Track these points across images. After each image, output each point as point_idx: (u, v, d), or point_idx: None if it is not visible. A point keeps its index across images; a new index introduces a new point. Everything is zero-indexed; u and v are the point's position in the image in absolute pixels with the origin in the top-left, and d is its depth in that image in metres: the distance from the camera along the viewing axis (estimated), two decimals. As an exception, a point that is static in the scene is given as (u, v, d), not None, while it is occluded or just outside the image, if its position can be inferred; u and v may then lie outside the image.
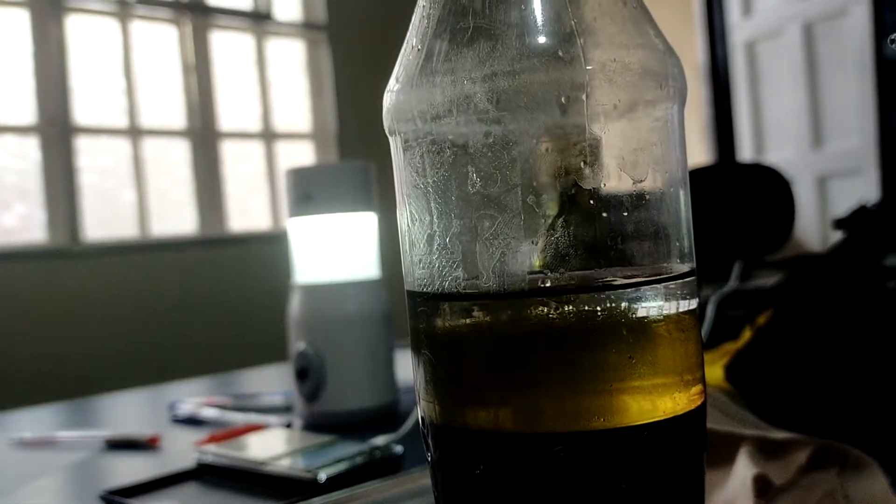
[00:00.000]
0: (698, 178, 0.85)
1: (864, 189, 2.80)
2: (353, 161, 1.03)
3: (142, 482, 0.60)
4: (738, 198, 0.84)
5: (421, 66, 0.20)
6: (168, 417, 0.88)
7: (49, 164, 2.56)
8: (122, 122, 2.74)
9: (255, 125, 3.09)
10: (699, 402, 0.21)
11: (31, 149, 2.56)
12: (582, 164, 0.20)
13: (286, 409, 0.85)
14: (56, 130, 2.56)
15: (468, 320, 0.21)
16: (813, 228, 3.11)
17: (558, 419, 0.20)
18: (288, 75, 3.20)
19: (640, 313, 0.20)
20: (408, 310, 0.23)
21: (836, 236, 0.78)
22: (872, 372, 0.57)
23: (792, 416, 0.48)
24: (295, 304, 0.80)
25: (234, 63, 3.04)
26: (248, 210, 3.04)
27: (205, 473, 0.63)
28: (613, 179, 0.20)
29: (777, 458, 0.43)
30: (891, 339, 0.58)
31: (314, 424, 0.76)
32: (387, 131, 0.23)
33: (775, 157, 3.33)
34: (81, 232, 2.59)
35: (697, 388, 0.21)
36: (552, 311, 0.20)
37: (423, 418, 0.23)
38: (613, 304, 0.20)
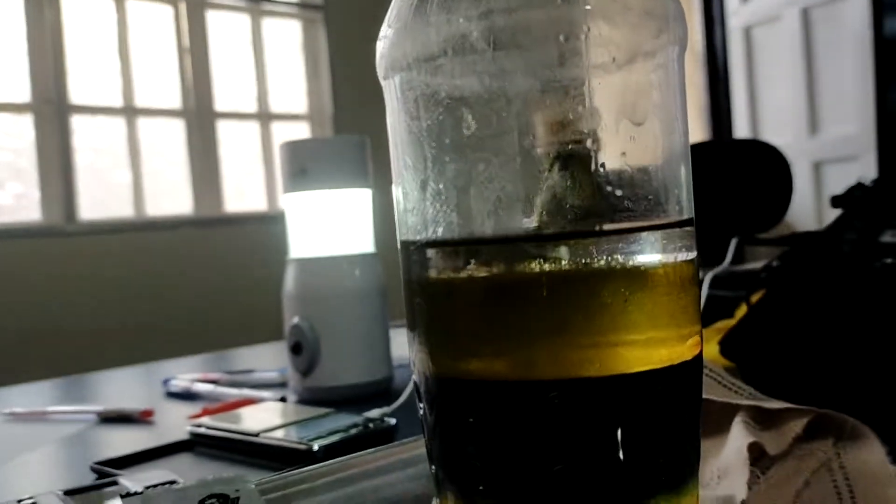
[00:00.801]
0: (694, 154, 0.84)
1: (861, 175, 2.80)
2: (348, 135, 1.02)
3: (133, 453, 0.59)
4: (734, 173, 0.83)
5: (415, 7, 0.20)
6: (162, 393, 0.88)
7: (43, 143, 2.54)
8: (117, 101, 2.72)
9: (251, 106, 3.08)
10: (695, 353, 0.21)
11: (25, 127, 2.54)
12: (580, 106, 0.19)
13: (281, 385, 0.85)
14: (51, 109, 2.54)
15: (461, 267, 0.20)
16: (809, 214, 3.11)
17: (552, 366, 0.19)
18: (284, 56, 3.18)
19: (637, 261, 0.20)
20: (401, 261, 0.22)
21: (832, 220, 0.78)
22: (867, 345, 0.57)
23: (788, 389, 0.47)
24: (290, 279, 0.79)
25: (230, 43, 3.02)
26: (243, 191, 3.03)
27: (197, 445, 0.63)
28: (612, 123, 0.20)
29: (773, 428, 0.43)
30: (885, 313, 0.58)
31: (308, 399, 0.75)
32: (381, 78, 0.22)
33: (771, 142, 3.32)
34: (76, 211, 2.58)
35: (693, 340, 0.21)
36: (547, 257, 0.19)
37: (416, 369, 0.22)
38: (610, 251, 0.20)
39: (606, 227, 0.20)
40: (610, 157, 0.20)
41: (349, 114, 3.15)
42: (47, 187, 2.55)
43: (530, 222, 0.20)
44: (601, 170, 0.20)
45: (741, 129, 3.60)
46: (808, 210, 3.10)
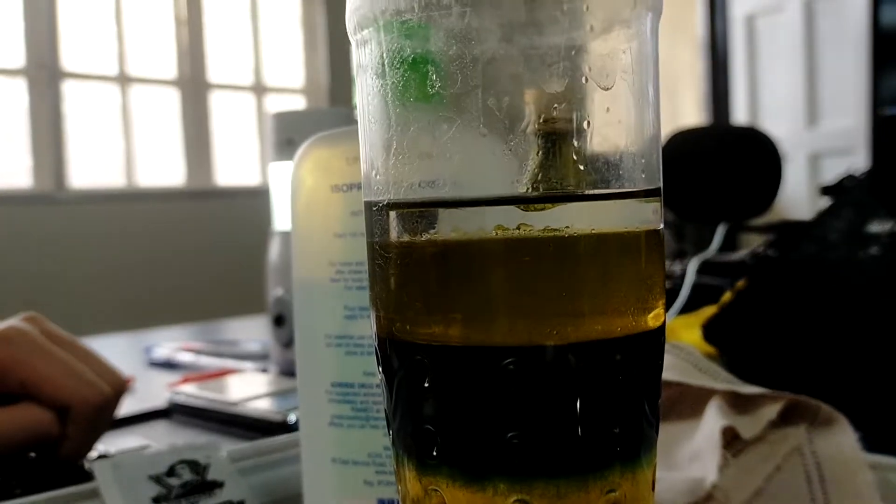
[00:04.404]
0: (685, 139, 0.84)
1: (857, 168, 2.79)
2: (339, 108, 1.01)
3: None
4: (724, 158, 0.83)
5: (384, -39, 0.19)
6: (144, 361, 0.88)
7: (36, 109, 2.52)
8: (111, 69, 2.70)
9: (248, 78, 3.05)
10: (657, 325, 0.21)
11: (18, 92, 2.52)
12: (547, 65, 0.19)
13: (263, 357, 0.85)
14: (45, 74, 2.52)
15: (421, 230, 0.20)
16: (804, 206, 3.11)
17: (509, 333, 0.19)
18: (282, 28, 3.15)
19: (601, 227, 0.19)
20: (365, 223, 0.22)
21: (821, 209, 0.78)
22: (849, 333, 0.56)
23: (769, 376, 0.47)
24: (274, 251, 0.79)
25: (227, 13, 2.99)
26: (236, 163, 3.01)
27: (175, 413, 0.63)
28: (582, 89, 0.19)
29: (747, 413, 0.42)
30: (869, 302, 0.58)
31: (290, 371, 0.75)
32: (350, 34, 0.22)
33: (770, 132, 3.31)
34: (66, 179, 2.57)
35: (656, 312, 0.21)
36: (509, 220, 0.19)
37: (374, 334, 0.22)
38: (573, 216, 0.19)
39: (570, 192, 0.19)
40: (579, 124, 0.19)
41: (346, 88, 3.13)
42: (39, 154, 2.53)
43: (492, 186, 0.19)
44: (569, 136, 0.19)
45: (740, 119, 3.59)
46: (803, 202, 3.10)
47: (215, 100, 2.95)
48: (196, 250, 2.72)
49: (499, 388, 0.19)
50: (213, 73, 2.93)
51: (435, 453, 0.20)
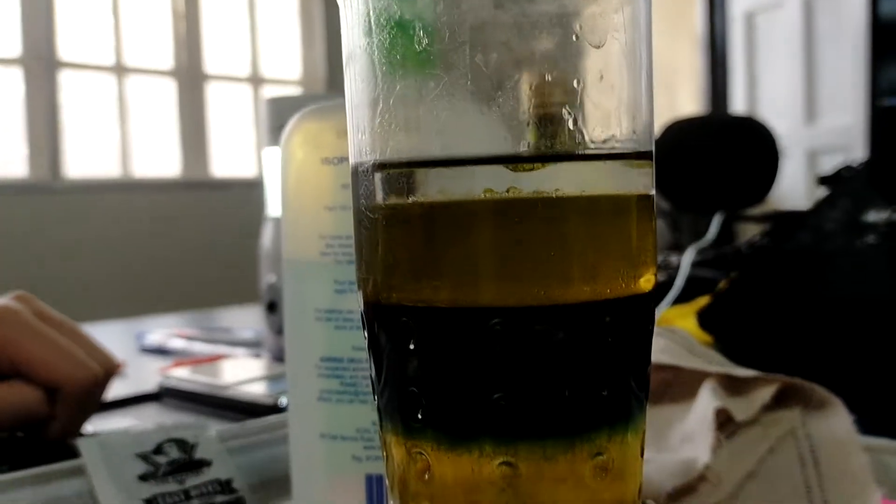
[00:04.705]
0: (682, 128, 0.84)
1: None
2: (333, 95, 1.01)
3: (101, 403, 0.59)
4: (720, 147, 0.83)
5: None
6: (136, 347, 0.87)
7: (32, 99, 2.51)
8: (108, 59, 2.69)
9: (244, 69, 3.04)
10: (647, 289, 0.20)
11: (14, 82, 2.50)
12: (536, 22, 0.18)
13: (256, 344, 0.84)
14: (41, 64, 2.51)
15: (409, 189, 0.19)
16: (801, 202, 3.11)
17: (496, 294, 0.19)
18: (279, 19, 3.14)
19: (591, 189, 0.19)
20: (351, 187, 0.22)
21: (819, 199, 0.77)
22: (846, 320, 0.56)
23: (764, 361, 0.47)
24: (266, 237, 0.78)
25: (223, 3, 2.98)
26: (232, 155, 3.00)
27: (166, 396, 0.62)
28: (570, 42, 0.19)
29: (741, 395, 0.42)
30: (866, 289, 0.58)
31: (283, 357, 0.75)
32: (337, -4, 0.21)
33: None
34: (62, 168, 2.56)
35: (646, 277, 0.20)
36: (498, 183, 0.19)
37: (360, 298, 0.21)
38: (563, 179, 0.19)
39: (560, 152, 0.19)
40: (569, 83, 0.19)
41: (343, 81, 3.12)
42: (35, 143, 2.52)
43: (480, 145, 0.19)
44: (559, 95, 0.19)
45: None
46: (801, 198, 3.10)
47: (212, 91, 2.94)
48: (191, 241, 2.71)
49: (485, 349, 0.19)
50: (210, 64, 2.92)
51: (420, 416, 0.20)
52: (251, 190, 2.77)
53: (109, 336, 0.98)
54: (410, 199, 0.19)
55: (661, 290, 0.74)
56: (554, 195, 0.19)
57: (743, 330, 0.60)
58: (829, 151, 3.10)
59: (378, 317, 0.20)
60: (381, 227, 0.20)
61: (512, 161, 0.18)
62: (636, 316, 0.20)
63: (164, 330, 0.91)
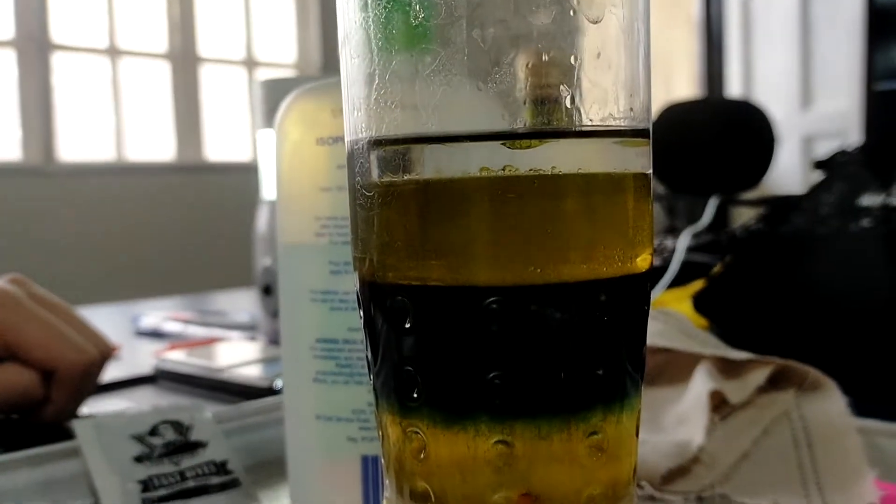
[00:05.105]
0: (677, 112, 0.84)
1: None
2: (327, 76, 1.00)
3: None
4: (716, 130, 0.82)
5: None
6: (131, 331, 0.87)
7: (25, 81, 2.49)
8: (101, 42, 2.67)
9: (239, 52, 3.02)
10: (643, 269, 0.20)
11: (6, 64, 2.49)
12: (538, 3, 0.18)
13: (251, 327, 0.84)
14: (33, 46, 2.49)
15: (403, 166, 0.19)
16: (797, 188, 3.11)
17: (492, 272, 0.19)
18: (274, 3, 3.12)
19: (587, 167, 0.19)
20: (347, 165, 0.21)
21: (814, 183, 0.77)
22: (840, 304, 0.56)
23: (759, 345, 0.47)
24: (261, 220, 0.78)
25: (219, -12, 2.96)
26: (227, 138, 2.99)
27: (162, 379, 0.62)
28: (567, 17, 0.19)
29: (735, 378, 0.42)
30: (861, 273, 0.58)
31: (279, 340, 0.75)
32: (333, -30, 0.21)
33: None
34: (56, 152, 2.54)
35: (643, 256, 0.20)
36: (492, 158, 0.18)
37: (356, 278, 0.21)
38: (559, 157, 0.19)
39: (556, 130, 0.19)
40: (565, 60, 0.19)
41: (338, 64, 3.10)
42: (28, 126, 2.50)
43: (477, 121, 0.19)
44: (556, 71, 0.19)
45: (733, 101, 3.58)
46: (796, 184, 3.10)
47: (206, 74, 2.92)
48: (186, 225, 2.71)
49: (481, 327, 0.19)
50: (205, 47, 2.90)
51: (416, 395, 0.20)
52: (245, 173, 2.76)
53: (104, 319, 0.98)
54: (406, 177, 0.19)
55: (656, 274, 0.74)
56: (550, 173, 0.19)
57: (738, 313, 0.60)
58: (825, 137, 3.10)
59: (374, 296, 0.20)
60: (376, 205, 0.20)
61: (508, 138, 0.18)
62: (632, 295, 0.20)
63: (159, 313, 0.90)
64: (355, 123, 0.20)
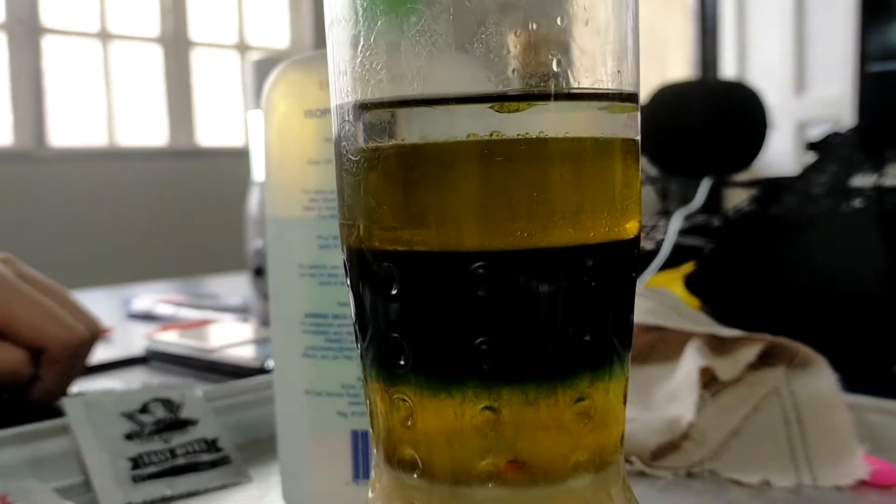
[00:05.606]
0: (671, 92, 0.83)
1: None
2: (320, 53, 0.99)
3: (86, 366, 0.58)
4: (709, 111, 0.82)
5: None
6: (123, 314, 0.87)
7: (15, 65, 2.48)
8: (92, 25, 2.65)
9: (231, 37, 3.00)
10: (631, 236, 0.20)
11: (-2, 48, 2.47)
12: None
13: (243, 310, 0.84)
14: (24, 29, 2.47)
15: (389, 130, 0.19)
16: (791, 173, 3.11)
17: (479, 237, 0.18)
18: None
19: (575, 131, 0.19)
20: (333, 130, 0.21)
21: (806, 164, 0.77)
22: (831, 282, 0.56)
23: (750, 324, 0.47)
24: (253, 202, 0.78)
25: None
26: (219, 124, 2.97)
27: (153, 360, 0.62)
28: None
29: (726, 355, 0.42)
30: (853, 252, 0.58)
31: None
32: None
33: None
34: (47, 136, 2.53)
35: (630, 224, 0.20)
36: (480, 123, 0.18)
37: (342, 245, 0.21)
38: (547, 122, 0.18)
39: (543, 92, 0.19)
40: (552, 22, 0.19)
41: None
42: (19, 110, 2.49)
43: (462, 80, 0.19)
44: (543, 34, 0.19)
45: (727, 86, 3.57)
46: (789, 170, 3.10)
47: (198, 58, 2.90)
48: (177, 211, 2.70)
49: (468, 293, 0.18)
50: (196, 31, 2.88)
51: (403, 363, 0.20)
52: (238, 159, 2.75)
53: (95, 302, 0.97)
54: (392, 141, 0.19)
55: (648, 256, 0.74)
56: (539, 134, 0.18)
57: (730, 293, 0.60)
58: (819, 123, 3.09)
59: (360, 263, 0.20)
60: (362, 170, 0.20)
61: (495, 100, 0.18)
62: (619, 261, 0.20)
63: (151, 296, 0.90)
64: (341, 88, 0.20)
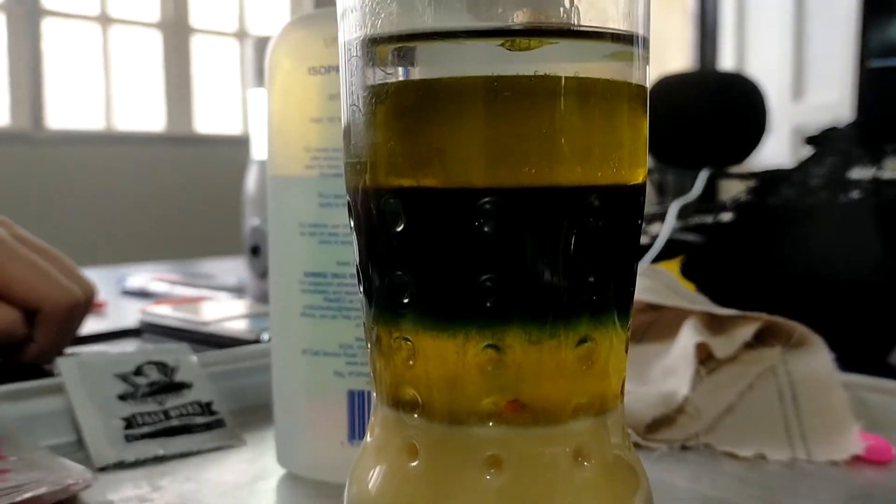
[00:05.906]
0: (670, 83, 0.83)
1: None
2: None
3: (79, 337, 0.58)
4: (707, 102, 0.82)
5: None
6: (117, 290, 0.86)
7: (14, 46, 2.46)
8: (92, 8, 2.64)
9: (231, 24, 2.99)
10: (638, 182, 0.20)
11: (-4, 29, 2.46)
12: None
13: (238, 290, 0.84)
14: (23, 10, 2.46)
15: (398, 63, 0.19)
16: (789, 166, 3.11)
17: (487, 174, 0.18)
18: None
19: (585, 71, 0.19)
20: (340, 67, 0.21)
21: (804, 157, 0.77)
22: (828, 270, 0.57)
23: (746, 307, 0.47)
24: (250, 181, 0.77)
25: (212, -41, 2.92)
26: (218, 110, 2.96)
27: (147, 332, 0.62)
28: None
29: (723, 333, 0.42)
30: (850, 241, 0.58)
31: (266, 301, 0.74)
32: None
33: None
34: (44, 118, 2.52)
35: (637, 170, 0.20)
36: (489, 60, 0.18)
37: (347, 185, 0.21)
38: (556, 58, 0.18)
39: (553, 28, 0.18)
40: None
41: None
42: (16, 92, 2.47)
43: (474, 19, 0.18)
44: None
45: (726, 88, 3.57)
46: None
47: (198, 44, 2.89)
48: (174, 197, 2.69)
49: (474, 230, 0.18)
50: (196, 17, 2.87)
51: (406, 301, 0.19)
52: (235, 146, 2.74)
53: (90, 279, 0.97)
54: (401, 77, 0.19)
55: (643, 249, 0.74)
56: (547, 72, 0.18)
57: (726, 281, 0.60)
58: (817, 128, 3.10)
59: (366, 200, 0.20)
60: (369, 106, 0.20)
61: (506, 35, 0.18)
62: (625, 206, 0.20)
63: (145, 274, 0.90)
64: (350, 24, 0.20)
